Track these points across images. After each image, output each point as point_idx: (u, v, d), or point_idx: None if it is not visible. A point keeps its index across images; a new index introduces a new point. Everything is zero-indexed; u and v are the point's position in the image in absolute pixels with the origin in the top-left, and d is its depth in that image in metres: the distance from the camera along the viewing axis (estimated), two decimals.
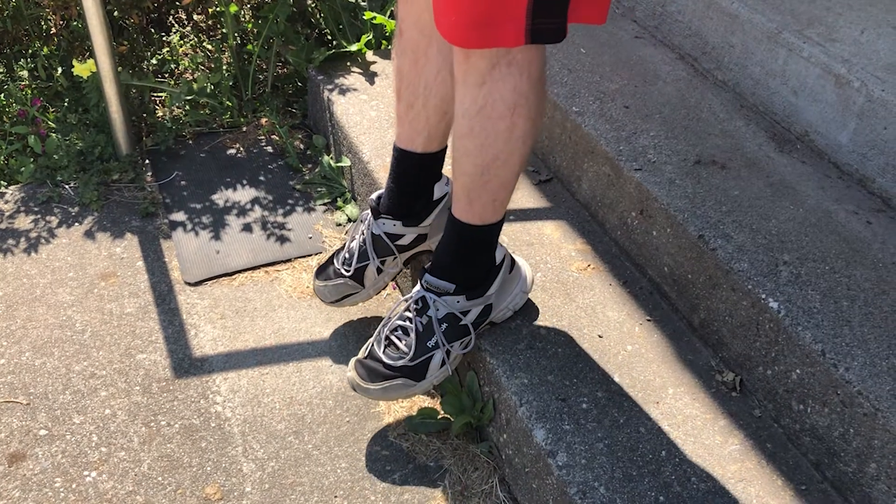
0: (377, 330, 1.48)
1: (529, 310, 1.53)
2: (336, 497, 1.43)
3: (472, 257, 1.41)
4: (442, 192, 1.58)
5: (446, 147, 1.54)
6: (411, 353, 1.42)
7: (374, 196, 1.60)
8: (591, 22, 1.20)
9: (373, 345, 1.47)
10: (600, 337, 1.49)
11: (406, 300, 1.45)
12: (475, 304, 1.42)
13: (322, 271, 1.67)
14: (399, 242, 1.59)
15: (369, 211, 1.60)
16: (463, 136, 1.28)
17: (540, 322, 1.51)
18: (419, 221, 1.58)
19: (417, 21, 1.41)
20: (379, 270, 1.60)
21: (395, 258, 1.60)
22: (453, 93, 1.30)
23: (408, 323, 1.43)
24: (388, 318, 1.47)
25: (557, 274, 1.62)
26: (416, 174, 1.55)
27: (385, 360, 1.44)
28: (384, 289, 1.67)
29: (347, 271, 1.62)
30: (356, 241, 1.62)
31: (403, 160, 1.54)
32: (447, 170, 1.50)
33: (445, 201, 1.58)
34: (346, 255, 1.63)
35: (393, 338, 1.45)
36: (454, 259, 1.41)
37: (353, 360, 1.48)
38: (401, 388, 1.44)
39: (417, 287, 1.44)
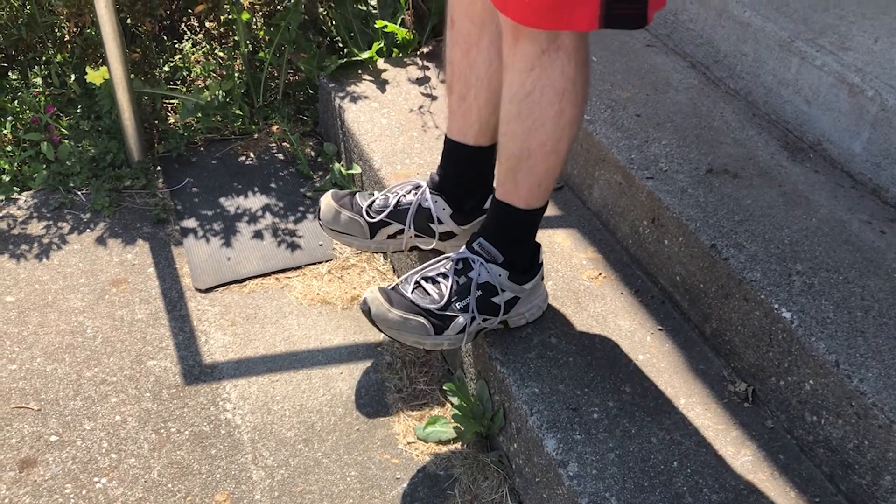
0: (405, 275, 1.44)
1: (540, 318, 1.52)
2: None
3: (514, 240, 1.41)
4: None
5: (496, 144, 1.53)
6: (441, 303, 1.39)
7: (435, 171, 1.58)
8: (659, 8, 1.20)
9: (399, 284, 1.43)
10: (612, 346, 1.49)
11: (445, 257, 1.43)
12: (511, 288, 1.41)
13: (340, 197, 1.61)
14: (435, 227, 1.58)
15: (423, 182, 1.57)
16: (511, 120, 1.29)
17: (551, 331, 1.51)
18: (463, 220, 1.57)
19: (469, 11, 1.41)
20: (394, 236, 1.58)
21: (418, 236, 1.57)
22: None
23: (443, 279, 1.41)
24: (419, 269, 1.44)
25: (568, 282, 1.62)
26: (467, 167, 1.55)
27: (412, 298, 1.40)
28: (382, 253, 1.63)
29: (371, 217, 1.58)
30: (394, 197, 1.58)
31: (455, 152, 1.53)
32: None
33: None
34: (378, 203, 1.59)
35: (424, 283, 1.41)
36: (498, 238, 1.40)
37: (374, 288, 1.42)
38: (417, 330, 1.38)
39: (462, 248, 1.42)
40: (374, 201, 1.59)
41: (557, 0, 1.14)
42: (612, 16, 1.15)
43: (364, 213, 1.58)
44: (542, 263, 1.47)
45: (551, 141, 1.29)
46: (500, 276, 1.40)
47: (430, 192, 1.56)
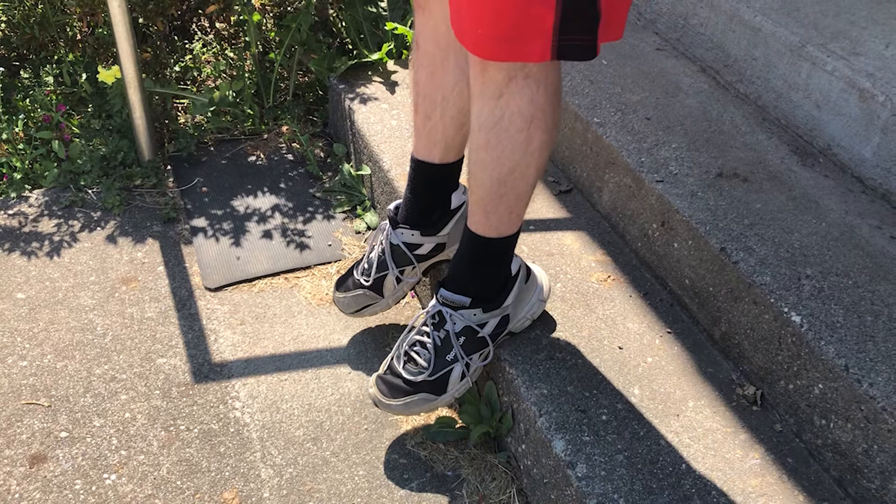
0: (396, 344, 1.48)
1: (549, 320, 1.53)
2: None
3: (488, 270, 1.41)
4: (459, 200, 1.59)
5: (463, 157, 1.54)
6: (431, 368, 1.42)
7: (392, 206, 1.61)
8: (613, 39, 1.20)
9: (392, 360, 1.47)
10: (620, 348, 1.49)
11: (424, 314, 1.45)
12: (492, 316, 1.42)
13: (342, 283, 1.68)
14: (417, 252, 1.59)
15: (387, 221, 1.60)
16: (479, 149, 1.29)
17: (560, 333, 1.51)
18: (437, 231, 1.58)
19: (434, 34, 1.42)
20: (398, 280, 1.61)
21: (413, 268, 1.60)
22: (470, 105, 1.30)
23: (425, 338, 1.43)
24: (406, 333, 1.47)
25: (577, 285, 1.62)
26: (433, 185, 1.56)
27: (405, 375, 1.43)
28: (402, 298, 1.68)
29: (367, 282, 1.62)
30: (375, 251, 1.62)
31: (421, 171, 1.54)
32: (464, 179, 1.50)
33: (463, 210, 1.58)
34: (366, 266, 1.64)
35: (412, 353, 1.44)
36: (470, 272, 1.41)
37: (374, 376, 1.48)
38: (422, 403, 1.43)
39: (434, 301, 1.44)
40: (362, 266, 1.64)
41: (510, 34, 1.14)
42: (563, 47, 1.14)
43: (361, 283, 1.63)
44: (519, 269, 1.45)
45: (521, 167, 1.28)
46: (474, 315, 1.41)
47: (392, 230, 1.59)
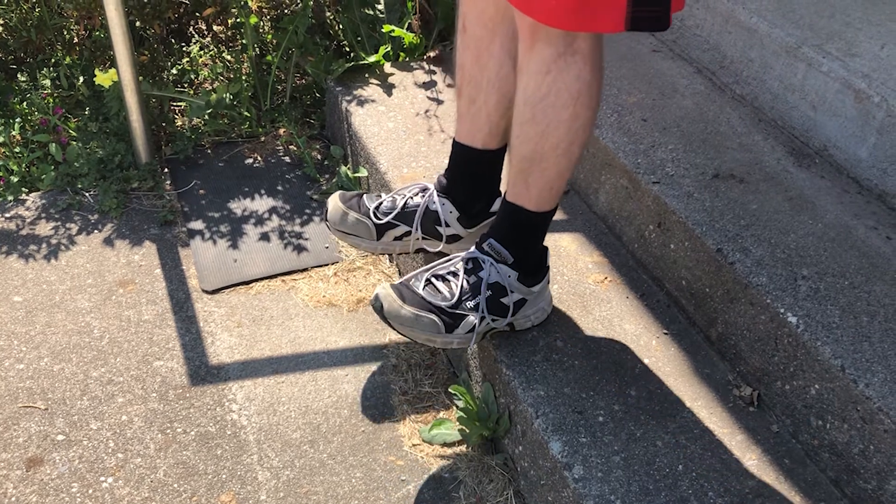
0: (414, 272, 1.44)
1: (546, 321, 1.53)
2: None
3: (524, 242, 1.41)
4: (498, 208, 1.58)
5: (505, 147, 1.54)
6: (452, 301, 1.39)
7: (442, 175, 1.59)
8: (678, 10, 1.21)
9: (410, 280, 1.43)
10: (617, 350, 1.49)
11: (455, 256, 1.43)
12: (520, 289, 1.42)
13: (347, 198, 1.62)
14: (443, 230, 1.58)
15: (430, 185, 1.58)
16: (524, 123, 1.29)
17: (556, 334, 1.51)
18: (469, 223, 1.58)
19: (481, 16, 1.42)
20: (400, 238, 1.58)
21: (425, 238, 1.58)
22: (515, 90, 1.30)
23: (452, 277, 1.41)
24: (429, 267, 1.44)
25: (574, 286, 1.62)
26: (475, 170, 1.56)
27: (423, 294, 1.40)
28: (388, 255, 1.64)
29: (379, 218, 1.58)
30: (402, 199, 1.59)
31: (463, 155, 1.54)
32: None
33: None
34: (385, 204, 1.59)
35: (435, 281, 1.41)
36: (508, 239, 1.41)
37: (385, 284, 1.42)
38: (428, 327, 1.38)
39: (472, 248, 1.43)
40: (381, 203, 1.60)
41: (584, 1, 1.14)
42: (636, 18, 1.15)
43: (371, 215, 1.59)
44: (548, 267, 1.47)
45: (564, 144, 1.29)
46: (509, 276, 1.40)
47: (438, 195, 1.57)
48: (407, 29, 2.34)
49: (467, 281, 1.40)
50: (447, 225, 1.57)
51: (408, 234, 1.58)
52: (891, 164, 1.58)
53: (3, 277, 1.84)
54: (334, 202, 1.61)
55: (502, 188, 1.41)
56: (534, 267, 1.44)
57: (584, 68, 1.23)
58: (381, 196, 1.62)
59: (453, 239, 1.60)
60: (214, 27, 2.62)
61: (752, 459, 1.32)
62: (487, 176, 1.57)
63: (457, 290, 1.39)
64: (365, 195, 1.64)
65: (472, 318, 1.39)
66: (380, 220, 1.58)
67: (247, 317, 1.79)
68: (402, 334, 1.42)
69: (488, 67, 1.44)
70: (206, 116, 2.28)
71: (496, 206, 1.58)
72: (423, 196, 1.59)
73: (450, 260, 1.44)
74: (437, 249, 1.61)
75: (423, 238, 1.59)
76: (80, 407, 1.57)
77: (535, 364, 1.44)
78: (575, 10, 1.15)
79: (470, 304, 1.39)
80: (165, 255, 1.93)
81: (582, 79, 1.24)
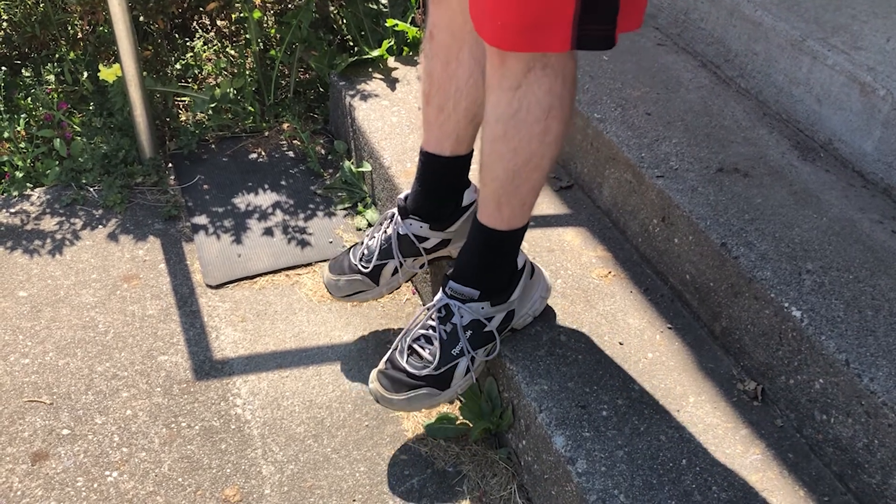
0: (397, 340, 1.47)
1: (550, 316, 1.53)
2: (354, 501, 1.44)
3: (497, 263, 1.41)
4: (471, 199, 1.58)
5: (472, 152, 1.54)
6: (436, 362, 1.41)
7: (402, 196, 1.60)
8: (631, 29, 1.20)
9: (394, 354, 1.46)
10: (621, 344, 1.49)
11: (428, 308, 1.44)
12: (499, 311, 1.42)
13: (336, 266, 1.66)
14: (423, 245, 1.59)
15: (395, 210, 1.59)
16: (495, 140, 1.28)
17: (560, 329, 1.51)
18: (445, 226, 1.58)
19: (450, 24, 1.42)
20: (395, 271, 1.60)
21: (415, 259, 1.60)
22: (483, 96, 1.30)
23: (431, 332, 1.42)
24: (409, 327, 1.46)
25: (578, 280, 1.62)
26: (442, 178, 1.56)
27: (409, 369, 1.42)
28: (396, 289, 1.66)
29: (365, 268, 1.61)
30: (377, 238, 1.61)
31: (431, 164, 1.54)
32: (474, 176, 1.50)
33: (473, 208, 1.58)
34: (365, 252, 1.62)
35: (416, 347, 1.43)
36: (479, 265, 1.41)
37: (374, 372, 1.47)
38: (425, 398, 1.42)
39: (440, 295, 1.43)
40: (362, 251, 1.63)
41: (531, 23, 1.14)
42: (583, 37, 1.15)
43: (358, 268, 1.62)
44: (524, 266, 1.46)
45: (536, 158, 1.28)
46: (482, 308, 1.40)
47: (402, 220, 1.58)
48: (410, 23, 2.33)
49: (444, 331, 1.41)
50: (424, 239, 1.58)
51: (399, 266, 1.60)
52: None
53: (8, 273, 1.85)
54: (326, 276, 1.66)
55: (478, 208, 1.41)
56: (505, 282, 1.43)
57: (555, 82, 1.22)
58: (363, 242, 1.64)
59: (442, 245, 1.60)
60: (218, 22, 2.62)
61: (756, 454, 1.32)
62: (456, 180, 1.57)
63: (437, 348, 1.41)
64: (351, 250, 1.66)
65: (463, 363, 1.41)
66: (366, 268, 1.61)
67: (251, 311, 1.79)
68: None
69: (457, 75, 1.44)
70: (210, 111, 2.28)
71: (466, 199, 1.58)
72: (392, 224, 1.60)
73: (426, 312, 1.44)
74: (424, 264, 1.62)
75: (414, 260, 1.61)
76: (84, 401, 1.58)
77: (538, 358, 1.44)
78: (521, 32, 1.15)
79: (455, 351, 1.40)
80: (169, 249, 1.93)
81: (553, 92, 1.23)
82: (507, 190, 1.31)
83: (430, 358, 1.41)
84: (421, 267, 1.63)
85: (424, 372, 1.41)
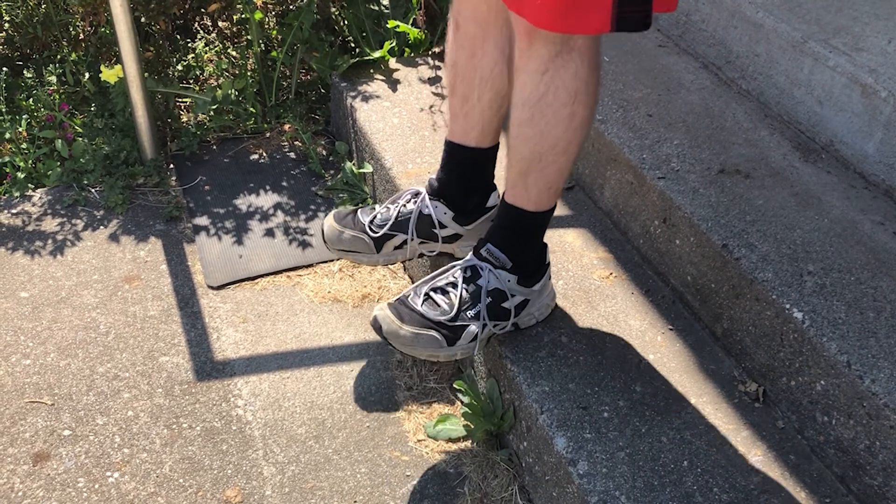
0: (409, 289, 1.44)
1: (551, 317, 1.53)
2: (356, 502, 1.44)
3: (524, 243, 1.41)
4: (494, 201, 1.58)
5: (497, 145, 1.54)
6: (452, 314, 1.39)
7: (433, 177, 1.59)
8: (667, 10, 1.21)
9: (407, 298, 1.42)
10: (622, 346, 1.49)
11: (453, 266, 1.43)
12: (520, 291, 1.42)
13: (342, 216, 1.63)
14: (440, 231, 1.58)
15: (421, 189, 1.58)
16: (522, 124, 1.29)
17: (561, 330, 1.51)
18: (466, 220, 1.58)
19: (474, 14, 1.42)
20: (401, 245, 1.59)
21: (422, 242, 1.58)
22: (508, 87, 1.30)
23: (451, 288, 1.41)
24: (427, 279, 1.44)
25: (579, 282, 1.62)
26: (467, 169, 1.56)
27: (423, 311, 1.40)
28: (392, 264, 1.64)
29: (374, 232, 1.59)
30: (393, 209, 1.59)
31: (456, 154, 1.54)
32: (500, 183, 1.49)
33: (492, 212, 1.57)
34: (380, 217, 1.60)
35: (434, 294, 1.41)
36: (508, 243, 1.41)
37: (383, 303, 1.43)
38: (430, 343, 1.38)
39: (469, 255, 1.42)
40: (375, 216, 1.61)
41: (571, 3, 1.14)
42: (622, 18, 1.15)
43: (367, 229, 1.60)
44: (549, 263, 1.47)
45: (562, 143, 1.29)
46: (508, 281, 1.40)
47: (430, 199, 1.57)
48: (412, 24, 2.33)
49: (466, 290, 1.40)
50: (443, 226, 1.57)
51: (406, 242, 1.59)
52: None
53: (9, 273, 1.85)
54: (329, 222, 1.62)
55: (499, 185, 1.41)
56: (533, 267, 1.43)
57: (581, 66, 1.23)
58: (375, 208, 1.63)
59: (452, 238, 1.59)
60: (219, 23, 2.62)
61: (757, 455, 1.32)
62: (481, 173, 1.57)
63: (456, 302, 1.39)
64: (360, 210, 1.64)
65: (474, 328, 1.40)
66: (376, 233, 1.59)
67: (252, 312, 1.79)
68: (404, 353, 1.42)
69: (482, 65, 1.44)
70: (212, 112, 2.28)
71: (491, 200, 1.58)
72: (416, 201, 1.59)
73: (449, 269, 1.44)
74: (436, 252, 1.61)
75: (422, 243, 1.60)
76: (86, 402, 1.58)
77: (539, 360, 1.44)
78: (563, 12, 1.16)
79: (470, 313, 1.39)
80: (171, 250, 1.93)
81: (580, 77, 1.24)
82: (534, 171, 1.32)
83: (446, 308, 1.39)
84: (421, 256, 1.62)
85: (439, 318, 1.39)
